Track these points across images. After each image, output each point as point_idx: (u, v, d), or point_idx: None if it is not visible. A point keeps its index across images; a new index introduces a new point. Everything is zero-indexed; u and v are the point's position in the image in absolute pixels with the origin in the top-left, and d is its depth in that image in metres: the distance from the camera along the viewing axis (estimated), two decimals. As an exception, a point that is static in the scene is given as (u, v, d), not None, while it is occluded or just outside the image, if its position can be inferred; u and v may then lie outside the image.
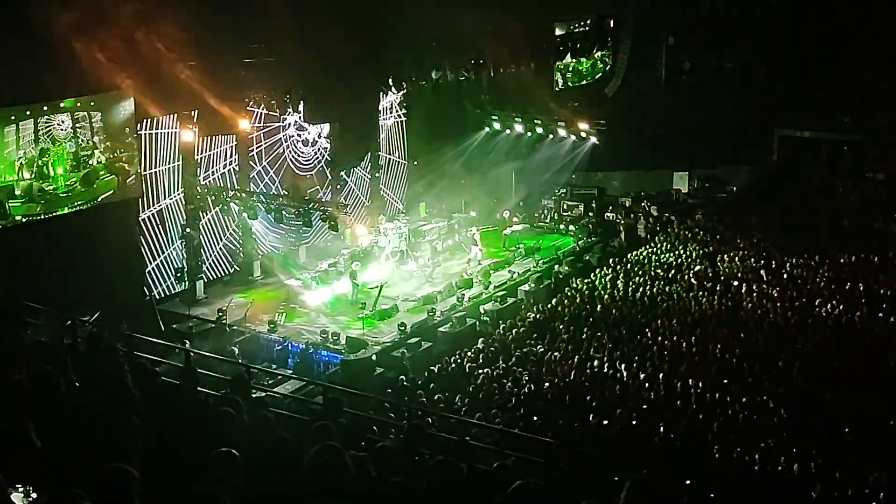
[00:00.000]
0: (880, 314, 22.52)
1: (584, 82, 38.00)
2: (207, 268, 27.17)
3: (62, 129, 21.07)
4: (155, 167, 25.10)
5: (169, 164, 25.59)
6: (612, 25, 37.88)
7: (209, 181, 26.89)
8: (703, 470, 14.35)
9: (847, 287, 24.55)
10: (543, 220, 36.15)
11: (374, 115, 29.46)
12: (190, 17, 20.73)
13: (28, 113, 20.16)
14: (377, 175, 33.73)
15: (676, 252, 28.73)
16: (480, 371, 19.32)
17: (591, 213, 36.04)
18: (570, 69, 37.17)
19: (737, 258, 27.57)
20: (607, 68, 38.46)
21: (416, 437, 8.18)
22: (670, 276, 26.18)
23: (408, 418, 14.44)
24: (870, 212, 31.83)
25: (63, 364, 8.35)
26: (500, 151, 36.20)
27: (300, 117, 28.48)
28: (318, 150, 31.04)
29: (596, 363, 19.56)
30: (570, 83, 37.39)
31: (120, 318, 19.47)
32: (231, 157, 27.78)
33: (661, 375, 18.68)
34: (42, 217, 20.70)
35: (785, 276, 25.82)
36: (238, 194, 26.76)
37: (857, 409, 16.80)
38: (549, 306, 24.68)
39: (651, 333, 21.44)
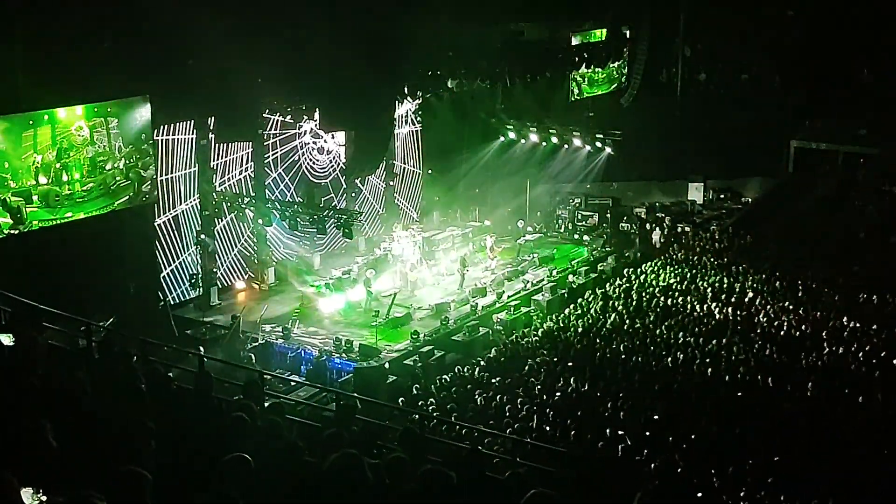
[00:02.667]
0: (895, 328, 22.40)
1: (600, 92, 38.01)
2: (222, 274, 27.26)
3: (79, 135, 21.17)
4: (171, 173, 25.24)
5: (185, 169, 25.72)
6: (628, 36, 37.89)
7: (224, 187, 27.00)
8: (715, 481, 14.29)
9: (862, 300, 24.44)
10: (558, 230, 36.14)
11: (389, 124, 29.50)
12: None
13: (46, 118, 20.27)
14: (392, 184, 33.83)
15: (691, 263, 28.67)
16: (493, 380, 19.30)
17: (605, 224, 36.00)
18: (586, 79, 37.18)
19: (751, 270, 27.46)
20: (623, 79, 38.46)
21: (410, 443, 8.17)
22: (684, 287, 26.10)
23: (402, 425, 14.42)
24: (885, 225, 31.67)
25: (78, 368, 8.40)
26: (515, 161, 36.23)
27: (316, 125, 28.57)
28: (333, 158, 31.13)
29: (609, 374, 19.52)
30: (585, 93, 37.41)
31: (135, 323, 19.56)
32: (247, 163, 27.89)
33: (674, 386, 18.64)
34: (58, 222, 20.79)
35: (799, 288, 25.70)
36: (253, 201, 26.85)
37: (872, 422, 16.72)
38: (562, 316, 24.66)
39: (664, 345, 21.39)
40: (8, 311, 10.94)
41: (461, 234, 32.26)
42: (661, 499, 12.56)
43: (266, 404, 10.00)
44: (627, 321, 23.35)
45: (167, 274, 25.64)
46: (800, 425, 16.59)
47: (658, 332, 22.36)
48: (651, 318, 23.48)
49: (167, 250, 25.60)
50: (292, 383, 20.37)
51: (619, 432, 15.71)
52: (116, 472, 5.03)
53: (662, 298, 24.95)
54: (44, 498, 5.00)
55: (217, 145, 26.46)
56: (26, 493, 4.92)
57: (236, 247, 27.83)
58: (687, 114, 38.18)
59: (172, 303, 25.34)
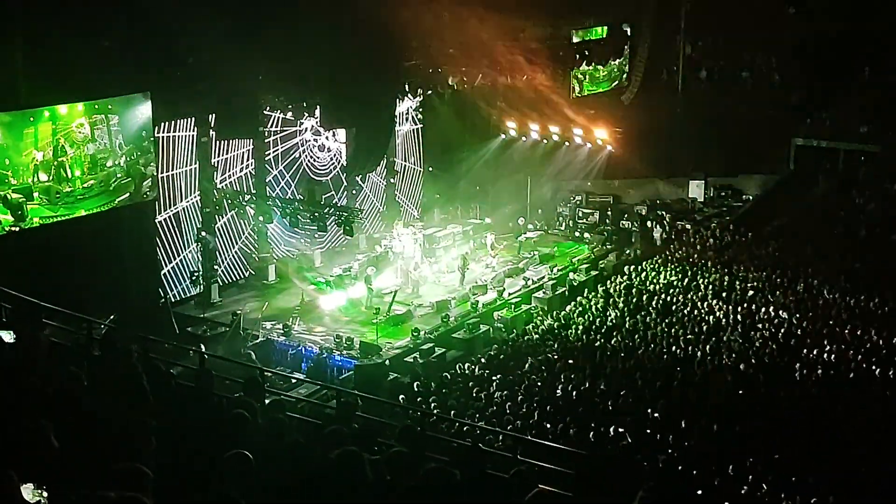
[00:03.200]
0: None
1: (601, 90, 37.94)
2: (222, 271, 27.26)
3: (80, 132, 21.15)
4: (172, 170, 25.23)
5: (186, 166, 25.72)
6: (629, 33, 37.82)
7: (225, 185, 27.00)
8: (715, 480, 14.30)
9: (862, 299, 24.40)
10: (559, 228, 36.13)
11: (390, 122, 29.48)
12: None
13: (46, 115, 20.25)
14: (392, 181, 33.82)
15: (691, 260, 28.64)
16: (493, 377, 19.31)
17: (606, 221, 36.02)
18: (587, 76, 37.10)
19: (752, 267, 27.43)
20: (624, 76, 38.39)
21: (410, 440, 8.18)
22: (685, 284, 26.08)
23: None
24: (886, 223, 31.62)
25: (79, 365, 8.40)
26: (516, 159, 36.20)
27: (316, 122, 28.56)
28: (334, 155, 31.12)
29: (609, 371, 19.52)
30: (586, 90, 37.33)
31: (136, 320, 19.57)
32: (247, 161, 27.89)
33: (675, 384, 18.63)
34: (59, 219, 20.78)
35: (801, 286, 25.68)
36: (254, 198, 26.85)
37: (872, 422, 16.72)
38: (563, 314, 24.65)
39: (665, 342, 21.38)
40: (9, 308, 10.94)
41: (462, 232, 32.25)
42: (662, 497, 12.57)
43: (267, 402, 10.00)
44: (628, 319, 23.36)
45: (168, 271, 25.66)
46: (800, 425, 16.58)
47: (658, 329, 22.37)
48: (652, 316, 23.48)
49: (168, 247, 25.62)
50: (293, 381, 20.37)
51: (620, 430, 15.72)
52: (117, 468, 5.03)
53: (663, 296, 24.93)
54: (45, 494, 5.01)
55: (218, 142, 26.44)
56: (27, 490, 4.92)
57: (237, 244, 27.85)
58: (688, 111, 38.11)
59: (173, 300, 25.36)
